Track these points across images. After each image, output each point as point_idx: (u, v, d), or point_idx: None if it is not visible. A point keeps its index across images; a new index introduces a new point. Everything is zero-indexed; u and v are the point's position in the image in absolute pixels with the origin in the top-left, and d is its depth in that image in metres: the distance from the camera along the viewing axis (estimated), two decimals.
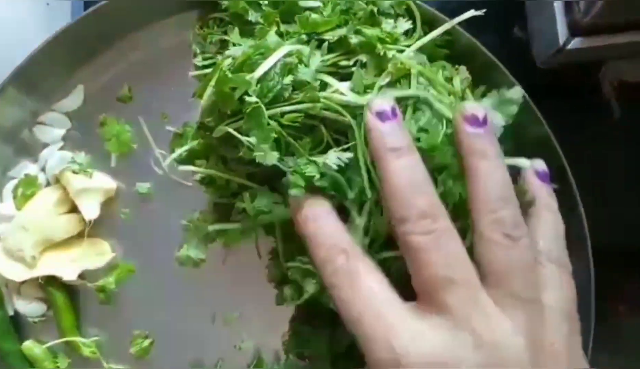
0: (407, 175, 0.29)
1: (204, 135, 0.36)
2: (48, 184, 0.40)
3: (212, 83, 0.31)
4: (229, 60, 0.32)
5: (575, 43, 0.40)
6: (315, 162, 0.31)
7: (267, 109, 0.30)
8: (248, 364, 0.42)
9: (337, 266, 0.30)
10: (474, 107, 0.31)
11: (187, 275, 0.40)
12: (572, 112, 0.45)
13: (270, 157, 0.31)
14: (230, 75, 0.30)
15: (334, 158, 0.31)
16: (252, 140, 0.30)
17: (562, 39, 0.40)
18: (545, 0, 0.41)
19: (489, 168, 0.30)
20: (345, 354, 0.41)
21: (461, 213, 0.32)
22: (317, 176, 0.31)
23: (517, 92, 0.37)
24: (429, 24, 0.37)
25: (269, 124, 0.31)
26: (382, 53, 0.34)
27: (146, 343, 0.41)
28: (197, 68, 0.40)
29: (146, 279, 0.41)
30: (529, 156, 0.35)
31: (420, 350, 0.27)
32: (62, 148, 0.40)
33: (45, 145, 0.41)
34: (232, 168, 0.36)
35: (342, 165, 0.31)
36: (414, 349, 0.27)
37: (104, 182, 0.39)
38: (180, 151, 0.39)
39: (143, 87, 0.41)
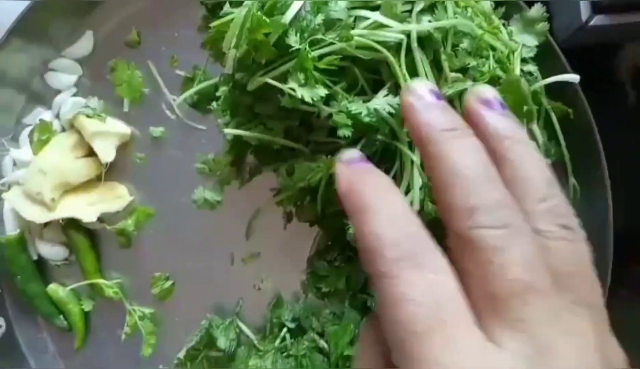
0: (474, 158, 0.23)
1: (234, 92, 0.35)
2: (63, 130, 0.41)
3: (237, 32, 0.30)
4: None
5: (598, 20, 0.39)
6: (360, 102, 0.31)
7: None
8: (268, 304, 0.43)
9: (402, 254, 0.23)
10: (487, 89, 0.26)
11: (205, 217, 0.42)
12: (587, 97, 0.45)
13: (318, 92, 0.31)
14: (266, 19, 0.30)
15: (383, 102, 0.31)
16: (295, 85, 0.30)
17: (584, 16, 0.39)
18: None
19: (527, 152, 0.25)
20: (362, 291, 0.42)
21: None
22: (364, 112, 0.31)
23: (538, 9, 0.36)
24: None
25: (315, 68, 0.30)
26: None
27: (167, 284, 0.42)
28: (210, 13, 0.39)
29: (164, 222, 0.42)
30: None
31: None
32: (75, 95, 0.41)
33: (58, 92, 0.41)
34: (267, 124, 0.35)
35: (392, 111, 0.31)
36: None
37: (118, 127, 0.40)
38: (188, 93, 0.40)
39: (151, 31, 0.42)
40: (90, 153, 0.40)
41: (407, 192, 0.35)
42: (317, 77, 0.31)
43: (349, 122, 0.33)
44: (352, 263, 0.42)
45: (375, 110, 0.33)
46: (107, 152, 0.39)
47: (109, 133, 0.39)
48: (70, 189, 0.39)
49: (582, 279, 0.23)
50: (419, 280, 0.22)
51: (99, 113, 0.40)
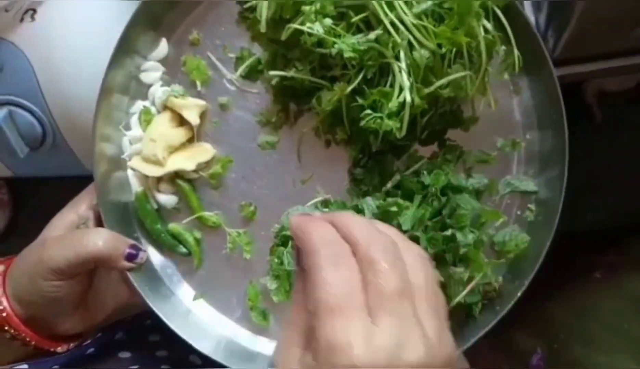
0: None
1: (271, 46, 0.51)
2: (158, 112, 0.56)
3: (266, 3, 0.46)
4: None
5: (558, 71, 0.51)
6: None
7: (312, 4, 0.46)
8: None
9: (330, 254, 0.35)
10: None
11: (268, 155, 0.56)
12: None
13: (326, 22, 0.46)
14: None
15: (372, 35, 0.46)
16: (311, 25, 0.45)
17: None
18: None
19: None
20: (395, 187, 0.55)
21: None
22: (362, 41, 0.47)
23: None
24: None
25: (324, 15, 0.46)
26: None
27: (251, 209, 0.57)
28: (243, 7, 0.55)
29: (240, 165, 0.56)
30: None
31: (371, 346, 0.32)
32: (162, 86, 0.56)
33: (150, 86, 0.56)
34: (297, 67, 0.51)
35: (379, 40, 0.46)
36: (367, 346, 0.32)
37: (196, 101, 0.55)
38: (242, 68, 0.56)
39: (206, 31, 0.56)
40: (181, 123, 0.55)
41: (400, 93, 0.49)
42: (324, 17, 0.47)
43: (350, 49, 0.47)
44: (380, 164, 0.55)
45: (367, 39, 0.48)
46: (194, 118, 0.54)
47: (192, 106, 0.54)
48: (173, 150, 0.54)
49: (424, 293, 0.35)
50: (337, 273, 0.34)
51: (182, 94, 0.55)
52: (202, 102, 0.55)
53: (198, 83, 0.56)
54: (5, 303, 0.50)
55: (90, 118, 0.53)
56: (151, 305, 0.53)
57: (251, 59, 0.55)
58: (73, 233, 0.51)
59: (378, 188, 0.55)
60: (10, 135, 0.54)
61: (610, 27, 0.49)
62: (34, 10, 0.52)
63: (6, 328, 0.50)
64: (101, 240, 0.49)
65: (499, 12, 0.49)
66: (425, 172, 0.54)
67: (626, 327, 0.54)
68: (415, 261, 0.36)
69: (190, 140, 0.56)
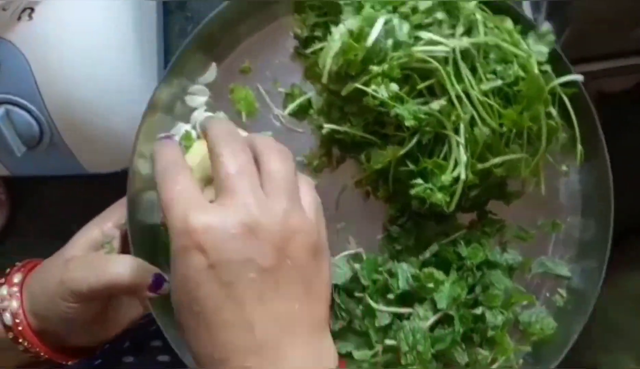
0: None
1: (328, 96, 0.49)
2: (199, 137, 0.54)
3: (332, 54, 0.44)
4: (341, 34, 0.44)
5: None
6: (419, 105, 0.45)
7: (379, 65, 0.44)
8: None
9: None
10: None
11: None
12: None
13: (392, 87, 0.45)
14: (355, 44, 0.44)
15: (435, 104, 0.45)
16: (376, 87, 0.44)
17: None
18: None
19: None
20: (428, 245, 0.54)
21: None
22: (423, 109, 0.45)
23: (547, 27, 0.49)
24: None
25: (389, 78, 0.44)
26: (461, 5, 0.46)
27: None
28: (301, 45, 0.53)
29: None
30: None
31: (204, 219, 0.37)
32: (205, 111, 0.54)
33: (193, 110, 0.54)
34: (352, 121, 0.49)
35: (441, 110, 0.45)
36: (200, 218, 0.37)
37: (240, 132, 0.54)
38: (292, 106, 0.54)
39: (258, 61, 0.54)
40: None
41: (455, 167, 0.47)
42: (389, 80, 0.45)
43: (411, 117, 0.46)
44: (418, 226, 0.53)
45: (430, 108, 0.46)
46: None
47: None
48: (209, 181, 0.53)
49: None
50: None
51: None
52: (245, 133, 0.53)
53: (243, 114, 0.54)
54: (22, 316, 0.49)
55: (89, 118, 0.52)
56: (165, 332, 0.52)
57: (302, 97, 0.54)
58: (98, 258, 0.50)
59: (412, 250, 0.54)
60: (7, 133, 0.53)
61: (609, 27, 0.49)
62: (32, 9, 0.51)
63: (20, 340, 0.49)
64: (127, 271, 0.47)
65: (567, 101, 0.48)
66: (462, 243, 0.52)
67: (628, 327, 0.55)
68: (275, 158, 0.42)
69: None
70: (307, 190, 0.44)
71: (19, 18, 0.51)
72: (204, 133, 0.44)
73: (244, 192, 0.39)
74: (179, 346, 0.52)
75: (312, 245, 0.41)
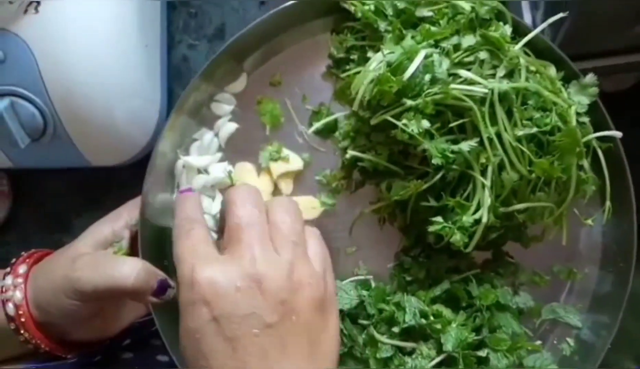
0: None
1: (357, 122, 0.49)
2: (220, 147, 0.54)
3: (367, 82, 0.43)
4: (379, 63, 0.43)
5: None
6: (449, 143, 0.44)
7: (414, 99, 0.43)
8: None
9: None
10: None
11: (320, 217, 0.54)
12: None
13: (423, 123, 0.44)
14: (392, 76, 0.43)
15: (466, 145, 0.44)
16: (407, 122, 0.43)
17: None
18: None
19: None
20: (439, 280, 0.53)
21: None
22: (452, 148, 0.44)
23: (591, 78, 0.48)
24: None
25: (422, 114, 0.43)
26: (506, 48, 0.45)
27: None
28: (334, 65, 0.52)
29: None
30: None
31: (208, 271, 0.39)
32: (230, 120, 0.54)
33: (218, 117, 0.54)
34: (377, 150, 0.48)
35: (471, 151, 0.44)
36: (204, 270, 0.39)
37: (296, 162, 0.53)
38: (317, 125, 0.53)
39: (290, 75, 0.54)
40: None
41: (477, 209, 0.47)
42: (422, 116, 0.44)
43: (440, 155, 0.45)
44: (431, 260, 0.53)
45: (460, 148, 0.45)
46: (287, 188, 0.53)
47: (290, 173, 0.53)
48: None
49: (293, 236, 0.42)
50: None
51: (282, 156, 0.52)
52: (300, 164, 0.53)
53: (267, 127, 0.54)
54: (25, 308, 0.49)
55: (92, 110, 0.53)
56: (163, 336, 0.52)
57: (328, 118, 0.53)
58: (105, 259, 0.49)
59: (422, 282, 0.53)
60: (11, 125, 0.54)
61: (608, 24, 0.48)
62: (38, 3, 0.52)
63: (22, 331, 0.49)
64: (133, 275, 0.47)
65: (601, 156, 0.47)
66: (474, 281, 0.52)
67: (624, 325, 0.52)
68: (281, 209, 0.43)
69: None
70: (314, 242, 0.44)
71: (26, 11, 0.52)
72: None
73: (251, 243, 0.40)
74: (175, 350, 0.51)
75: (318, 300, 0.41)
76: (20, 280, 0.49)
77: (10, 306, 0.48)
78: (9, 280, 0.49)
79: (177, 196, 0.47)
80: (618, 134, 0.46)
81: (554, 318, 0.54)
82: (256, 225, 0.41)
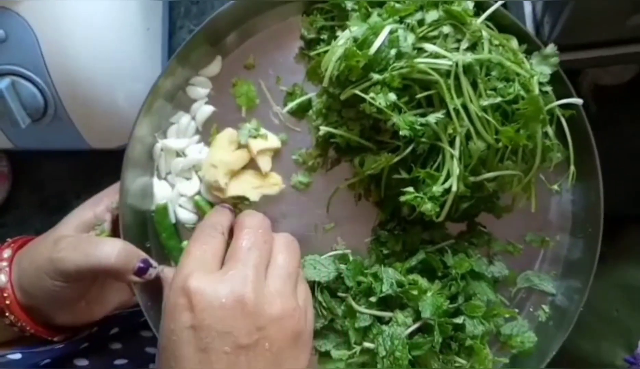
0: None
1: (328, 99, 0.50)
2: (197, 130, 0.55)
3: (335, 58, 0.44)
4: (346, 39, 0.45)
5: None
6: (417, 116, 0.45)
7: (380, 73, 0.44)
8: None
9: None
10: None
11: (298, 195, 0.55)
12: None
13: (390, 96, 0.45)
14: (358, 51, 0.44)
15: (433, 117, 0.45)
16: (375, 95, 0.44)
17: None
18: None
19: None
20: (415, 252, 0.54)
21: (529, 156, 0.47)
22: (420, 121, 0.45)
23: (552, 48, 0.49)
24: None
25: (389, 87, 0.44)
26: (469, 21, 0.46)
27: None
28: (306, 46, 0.54)
29: (269, 199, 0.55)
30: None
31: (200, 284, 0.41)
32: (206, 103, 0.55)
33: (194, 101, 0.55)
34: (349, 126, 0.50)
35: (438, 122, 0.45)
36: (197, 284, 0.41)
37: (273, 141, 0.54)
38: (292, 105, 0.54)
39: (263, 57, 0.55)
40: (239, 145, 0.54)
41: (447, 179, 0.48)
42: (389, 89, 0.45)
43: (407, 127, 0.46)
44: (406, 232, 0.54)
45: (427, 120, 0.46)
46: (266, 165, 0.54)
47: (268, 150, 0.54)
48: (233, 174, 0.53)
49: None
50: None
51: (261, 134, 0.53)
52: (277, 143, 0.54)
53: (243, 109, 0.55)
54: (10, 291, 0.50)
55: (93, 92, 0.54)
56: (148, 318, 0.53)
57: (302, 97, 0.54)
58: (87, 240, 0.50)
59: (399, 255, 0.54)
60: (12, 104, 0.54)
61: (605, 14, 0.49)
62: None
63: (7, 314, 0.50)
64: (114, 254, 0.48)
65: (564, 122, 0.48)
66: (449, 251, 0.53)
67: (615, 315, 0.55)
68: (282, 244, 0.47)
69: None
70: (302, 287, 0.47)
71: None
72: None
73: (247, 266, 0.43)
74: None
75: (296, 332, 0.43)
76: (4, 264, 0.50)
77: None
78: None
79: (217, 206, 0.52)
80: (578, 101, 0.48)
81: (529, 286, 0.56)
82: (257, 251, 0.44)
